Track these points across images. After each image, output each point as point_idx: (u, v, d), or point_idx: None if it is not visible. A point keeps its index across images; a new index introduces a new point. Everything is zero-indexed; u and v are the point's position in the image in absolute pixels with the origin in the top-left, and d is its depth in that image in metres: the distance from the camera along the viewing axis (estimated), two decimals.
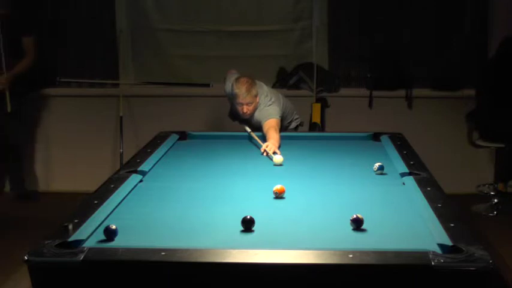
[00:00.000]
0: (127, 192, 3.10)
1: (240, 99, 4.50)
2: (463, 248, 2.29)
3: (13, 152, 6.01)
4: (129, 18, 6.30)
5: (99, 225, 2.60)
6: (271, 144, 4.08)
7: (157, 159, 3.81)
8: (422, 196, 2.97)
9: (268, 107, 4.58)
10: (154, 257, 2.27)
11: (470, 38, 6.10)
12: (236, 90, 4.50)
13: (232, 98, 4.62)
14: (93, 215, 2.69)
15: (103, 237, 2.48)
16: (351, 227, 2.61)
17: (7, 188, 6.21)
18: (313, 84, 6.04)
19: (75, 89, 6.31)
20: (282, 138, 4.32)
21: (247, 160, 3.91)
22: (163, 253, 2.28)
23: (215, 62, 6.24)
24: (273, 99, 4.65)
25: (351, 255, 2.25)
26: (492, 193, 5.79)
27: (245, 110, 4.53)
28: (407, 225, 2.68)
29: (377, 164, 3.51)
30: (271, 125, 4.40)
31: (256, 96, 4.55)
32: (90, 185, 4.92)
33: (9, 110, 5.64)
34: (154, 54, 6.34)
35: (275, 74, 6.28)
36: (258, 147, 4.17)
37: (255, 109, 4.57)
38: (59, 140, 6.36)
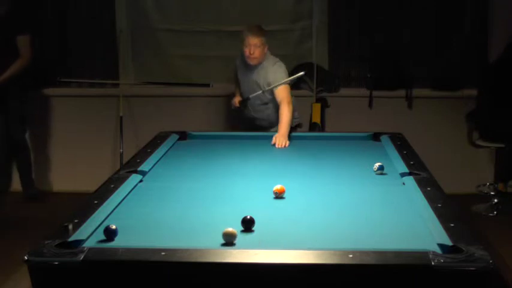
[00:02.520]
0: (127, 192, 3.11)
1: (249, 40, 4.65)
2: (463, 248, 2.29)
3: (19, 153, 6.01)
4: (129, 18, 6.29)
5: (99, 225, 2.60)
6: (280, 139, 4.28)
7: (157, 159, 3.81)
8: (422, 196, 2.97)
9: (277, 67, 4.74)
10: (154, 257, 2.27)
11: (470, 38, 6.10)
12: (247, 32, 4.70)
13: (242, 43, 4.75)
14: (93, 215, 2.69)
15: (103, 237, 2.48)
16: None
17: (12, 188, 6.24)
18: (313, 84, 6.04)
19: (75, 89, 6.30)
20: None
21: (247, 160, 3.91)
22: (163, 253, 2.28)
23: (215, 62, 6.24)
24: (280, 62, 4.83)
25: (351, 255, 2.25)
26: (492, 193, 5.79)
27: (252, 51, 4.65)
28: (407, 225, 2.68)
29: (377, 164, 3.51)
30: (283, 97, 4.60)
31: (264, 44, 4.73)
32: (90, 185, 4.92)
33: None
34: (154, 54, 6.33)
35: None
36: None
37: (261, 58, 4.72)
38: (59, 140, 6.36)
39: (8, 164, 6.16)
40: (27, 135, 6.04)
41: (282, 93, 4.65)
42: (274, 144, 4.29)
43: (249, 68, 4.81)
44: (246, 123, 5.03)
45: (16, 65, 5.69)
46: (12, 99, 5.75)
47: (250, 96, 4.67)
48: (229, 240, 2.45)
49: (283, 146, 4.29)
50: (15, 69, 5.69)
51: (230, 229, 2.46)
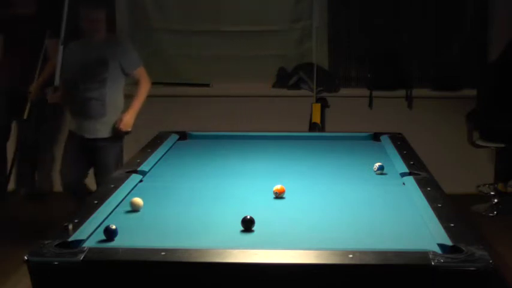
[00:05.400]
0: (127, 192, 3.10)
1: (93, 14, 4.53)
2: (463, 248, 2.29)
3: (28, 151, 5.98)
4: (129, 18, 6.29)
5: (99, 225, 2.60)
6: (128, 117, 4.62)
7: (158, 159, 3.81)
8: (422, 196, 2.97)
9: (131, 46, 4.74)
10: (154, 257, 2.27)
11: (470, 38, 6.11)
12: (89, 6, 4.55)
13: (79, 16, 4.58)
14: (93, 215, 2.69)
15: (103, 237, 2.48)
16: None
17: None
18: (313, 84, 6.04)
19: None
20: (281, 138, 4.40)
21: (247, 160, 3.91)
22: (163, 253, 2.28)
23: (215, 62, 6.24)
24: None
25: (351, 255, 2.25)
26: (492, 193, 5.79)
27: (97, 25, 4.54)
28: (407, 225, 2.68)
29: (377, 164, 3.51)
30: (145, 75, 4.67)
31: (104, 20, 4.59)
32: (90, 185, 4.93)
33: (25, 117, 5.48)
34: (154, 54, 6.33)
35: (275, 74, 6.28)
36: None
37: (104, 33, 4.60)
38: (59, 140, 6.34)
39: (28, 167, 6.11)
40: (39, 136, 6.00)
41: (144, 71, 4.70)
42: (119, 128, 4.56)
43: (89, 46, 4.61)
44: (75, 112, 4.76)
45: (47, 69, 5.56)
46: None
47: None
48: (135, 209, 2.83)
49: (129, 127, 4.56)
50: (47, 75, 5.56)
51: (137, 200, 2.85)
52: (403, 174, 3.40)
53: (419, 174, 3.34)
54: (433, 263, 2.18)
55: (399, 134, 4.45)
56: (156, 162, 3.74)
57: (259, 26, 6.22)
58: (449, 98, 6.10)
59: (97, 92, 4.58)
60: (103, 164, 4.67)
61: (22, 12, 5.57)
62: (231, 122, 5.89)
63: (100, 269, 2.29)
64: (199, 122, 5.92)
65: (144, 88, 4.71)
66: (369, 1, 6.19)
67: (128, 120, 4.63)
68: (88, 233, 2.50)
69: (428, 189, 3.07)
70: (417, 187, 3.12)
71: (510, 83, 5.56)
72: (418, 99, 6.16)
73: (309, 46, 6.19)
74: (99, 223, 2.63)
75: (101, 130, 4.65)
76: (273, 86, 6.27)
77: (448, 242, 2.38)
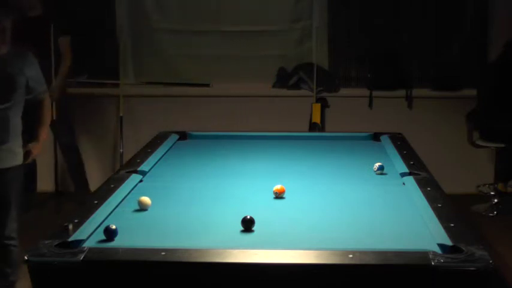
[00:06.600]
0: (127, 192, 3.10)
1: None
2: (463, 248, 2.29)
3: (70, 155, 5.94)
4: (129, 18, 6.29)
5: (99, 225, 2.60)
6: (40, 146, 3.96)
7: (158, 159, 3.81)
8: (422, 196, 2.97)
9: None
10: (154, 257, 2.27)
11: (470, 38, 6.11)
12: None
13: None
14: (93, 215, 2.69)
15: (103, 237, 2.48)
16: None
17: None
18: (313, 84, 6.04)
19: (75, 88, 6.30)
20: (281, 138, 4.39)
21: (247, 160, 3.91)
22: (163, 253, 2.28)
23: (215, 62, 6.24)
24: None
25: (351, 255, 2.25)
26: (492, 193, 5.79)
27: (3, 37, 3.71)
28: (407, 225, 2.68)
29: (377, 164, 3.51)
30: (47, 100, 4.02)
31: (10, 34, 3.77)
32: (90, 185, 4.93)
33: (54, 117, 5.21)
34: (154, 54, 6.34)
35: (275, 74, 6.28)
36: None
37: (11, 50, 3.78)
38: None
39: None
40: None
41: (47, 92, 4.06)
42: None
43: None
44: None
45: (63, 69, 5.54)
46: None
47: None
48: (143, 208, 2.85)
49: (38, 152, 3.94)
50: (64, 74, 5.55)
51: (144, 199, 2.86)
52: (403, 174, 3.40)
53: (419, 174, 3.34)
54: (433, 263, 2.18)
55: (399, 134, 4.45)
56: (156, 162, 3.74)
57: (259, 26, 6.22)
58: (449, 98, 6.10)
59: (0, 115, 3.76)
60: (2, 197, 3.83)
61: (30, 16, 5.53)
62: (231, 122, 5.90)
63: (100, 269, 2.29)
64: (199, 122, 5.92)
65: (49, 112, 4.11)
66: (369, 1, 6.19)
67: (37, 154, 4.00)
68: (88, 233, 2.50)
69: (428, 189, 3.07)
70: (417, 187, 3.12)
71: (510, 83, 5.57)
72: (418, 99, 6.17)
73: (309, 46, 6.19)
74: (99, 223, 2.63)
75: (2, 160, 3.78)
76: (273, 86, 6.27)
77: (448, 242, 2.38)
